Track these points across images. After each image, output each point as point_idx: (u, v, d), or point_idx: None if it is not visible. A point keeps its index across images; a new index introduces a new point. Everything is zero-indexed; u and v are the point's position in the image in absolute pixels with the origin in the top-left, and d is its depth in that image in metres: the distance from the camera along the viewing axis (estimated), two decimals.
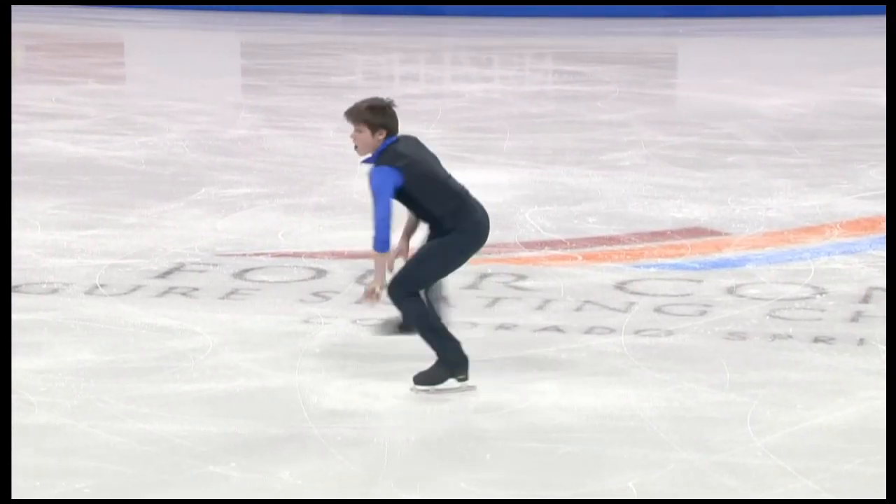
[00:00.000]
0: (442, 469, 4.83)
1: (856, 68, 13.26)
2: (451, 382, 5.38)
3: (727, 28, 15.63)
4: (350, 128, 5.29)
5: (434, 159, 5.33)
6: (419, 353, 5.80)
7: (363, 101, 5.23)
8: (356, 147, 5.29)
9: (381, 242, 5.24)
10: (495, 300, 6.49)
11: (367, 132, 5.23)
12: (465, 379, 5.32)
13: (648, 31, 15.61)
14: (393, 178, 5.17)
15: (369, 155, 5.27)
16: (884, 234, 7.59)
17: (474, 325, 6.17)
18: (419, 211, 5.30)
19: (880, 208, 8.07)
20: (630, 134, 10.31)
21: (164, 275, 6.93)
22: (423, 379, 5.31)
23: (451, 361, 5.29)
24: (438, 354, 5.31)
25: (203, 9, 16.99)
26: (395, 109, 5.21)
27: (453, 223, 5.23)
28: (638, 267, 7.05)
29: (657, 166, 9.26)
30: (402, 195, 5.24)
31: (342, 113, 5.27)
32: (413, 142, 5.31)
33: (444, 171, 5.31)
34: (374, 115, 5.21)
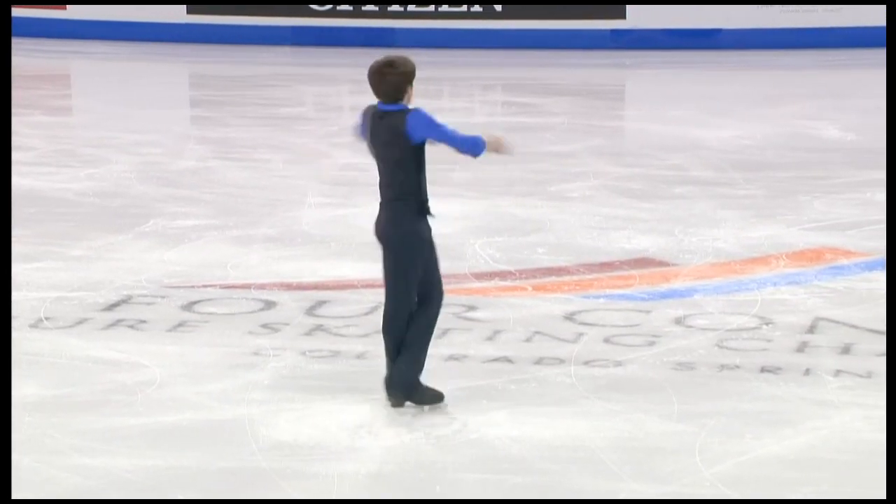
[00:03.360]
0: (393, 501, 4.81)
1: (801, 101, 13.43)
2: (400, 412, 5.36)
3: (674, 60, 15.79)
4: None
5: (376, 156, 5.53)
6: (371, 386, 5.78)
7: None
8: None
9: (476, 143, 5.28)
10: (445, 331, 6.49)
11: None
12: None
13: (596, 63, 15.74)
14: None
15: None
16: (828, 265, 7.67)
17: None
18: (409, 176, 5.28)
19: (825, 239, 8.16)
20: (578, 165, 10.37)
21: (111, 307, 6.87)
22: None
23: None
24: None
25: (151, 40, 16.95)
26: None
27: (423, 207, 5.31)
28: (587, 297, 7.08)
29: (606, 197, 9.31)
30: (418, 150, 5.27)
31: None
32: None
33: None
34: None
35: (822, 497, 4.78)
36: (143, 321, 6.68)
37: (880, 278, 7.33)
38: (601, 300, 7.03)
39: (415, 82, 5.34)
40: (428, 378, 5.77)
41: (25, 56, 16.29)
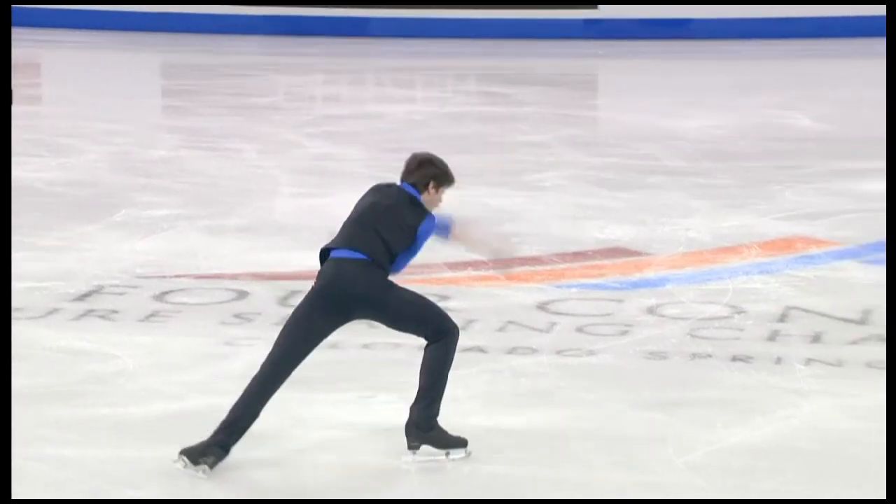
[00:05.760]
0: (366, 490, 4.81)
1: (773, 91, 13.48)
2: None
3: (646, 50, 15.82)
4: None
5: (370, 205, 5.01)
6: (343, 375, 5.78)
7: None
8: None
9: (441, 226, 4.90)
10: None
11: None
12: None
13: (569, 53, 15.75)
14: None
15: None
16: (800, 254, 7.71)
17: (397, 346, 6.16)
18: (390, 253, 4.97)
19: (797, 229, 8.20)
20: (552, 155, 10.38)
21: (83, 297, 6.84)
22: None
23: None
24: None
25: (122, 30, 16.85)
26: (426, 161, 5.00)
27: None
28: (560, 287, 7.09)
29: (579, 187, 9.33)
30: None
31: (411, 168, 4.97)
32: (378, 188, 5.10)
33: (358, 216, 4.97)
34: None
35: (795, 485, 4.80)
36: (115, 311, 6.65)
37: (851, 267, 7.38)
38: (574, 290, 7.04)
39: (440, 189, 4.94)
40: (402, 368, 5.78)
41: None
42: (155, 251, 7.72)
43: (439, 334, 4.93)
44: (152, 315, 6.61)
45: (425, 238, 5.01)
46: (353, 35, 16.57)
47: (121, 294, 6.91)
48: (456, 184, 5.07)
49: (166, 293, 6.93)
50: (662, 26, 16.39)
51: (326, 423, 5.33)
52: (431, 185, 5.03)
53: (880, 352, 6.06)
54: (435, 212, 5.05)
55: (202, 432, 5.23)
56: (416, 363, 5.93)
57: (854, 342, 6.21)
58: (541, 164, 10.06)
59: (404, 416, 5.38)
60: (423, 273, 7.22)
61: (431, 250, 7.63)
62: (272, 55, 16.03)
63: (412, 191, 5.05)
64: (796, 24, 16.07)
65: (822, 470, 4.91)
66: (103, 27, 16.92)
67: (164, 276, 7.21)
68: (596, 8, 16.46)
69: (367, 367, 5.91)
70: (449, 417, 5.37)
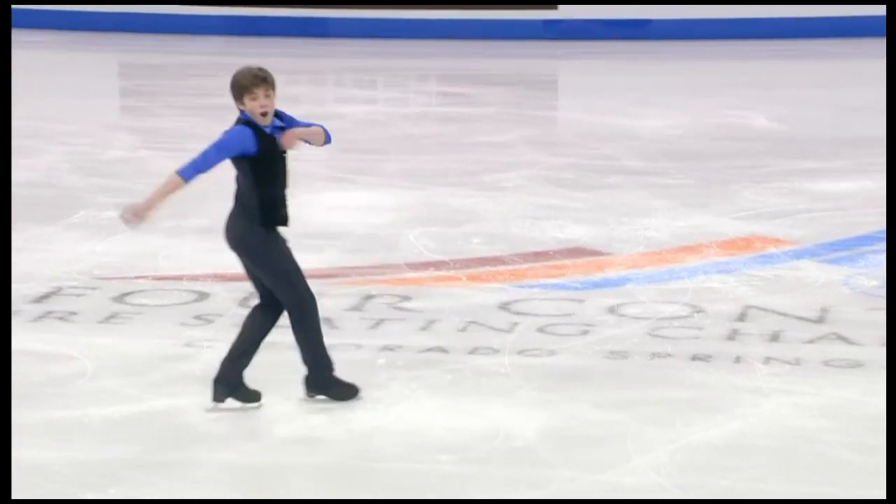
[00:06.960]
0: (337, 492, 4.82)
1: (729, 91, 13.58)
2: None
3: (604, 50, 15.89)
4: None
5: None
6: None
7: (256, 68, 5.35)
8: (267, 114, 5.31)
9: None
10: (380, 321, 6.50)
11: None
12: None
13: (529, 54, 15.80)
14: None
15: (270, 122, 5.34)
16: (758, 253, 7.78)
17: (359, 346, 6.17)
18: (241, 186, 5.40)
19: (754, 228, 8.26)
20: (512, 155, 10.41)
21: (41, 299, 6.80)
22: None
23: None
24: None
25: (79, 30, 16.75)
26: None
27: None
28: (521, 287, 7.11)
29: (539, 187, 9.36)
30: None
31: (257, 79, 5.35)
32: None
33: None
34: None
35: (753, 482, 4.85)
36: (74, 313, 6.61)
37: (808, 266, 7.45)
38: (535, 290, 7.07)
39: (245, 98, 5.32)
40: (363, 369, 5.78)
41: None
42: (114, 252, 7.68)
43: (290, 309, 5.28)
44: (112, 317, 6.58)
45: (216, 145, 5.32)
46: (313, 35, 16.54)
47: (80, 296, 6.88)
48: (259, 76, 5.38)
49: (126, 295, 6.90)
50: (622, 27, 16.48)
51: (298, 423, 5.32)
52: (237, 101, 5.36)
53: (837, 350, 6.13)
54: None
55: (162, 434, 5.22)
56: (377, 364, 5.94)
57: (811, 341, 6.27)
58: (501, 164, 10.08)
59: (366, 416, 5.38)
60: (385, 274, 7.22)
61: (393, 249, 7.66)
62: (231, 55, 15.97)
63: (241, 116, 5.35)
64: (753, 26, 16.20)
65: (780, 467, 4.96)
66: (59, 27, 16.81)
67: (124, 278, 7.17)
68: (556, 8, 16.52)
69: (364, 367, 5.90)
70: (410, 417, 5.38)
